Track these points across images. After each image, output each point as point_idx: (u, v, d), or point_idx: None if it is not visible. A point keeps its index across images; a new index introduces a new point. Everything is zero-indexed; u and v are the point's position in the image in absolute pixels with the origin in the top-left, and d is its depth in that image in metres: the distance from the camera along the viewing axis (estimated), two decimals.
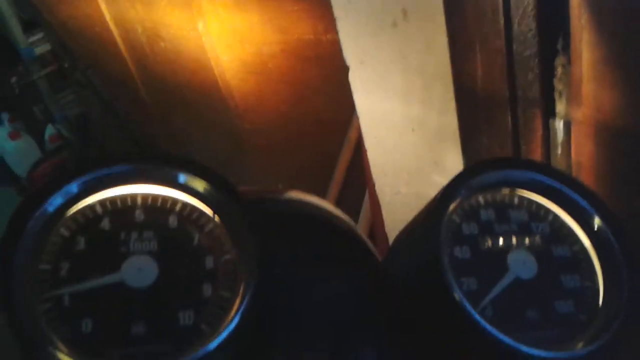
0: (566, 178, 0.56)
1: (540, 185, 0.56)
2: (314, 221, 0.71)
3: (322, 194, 2.08)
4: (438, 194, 0.55)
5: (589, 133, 1.07)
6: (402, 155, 1.54)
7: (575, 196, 0.55)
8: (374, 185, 1.64)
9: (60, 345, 0.43)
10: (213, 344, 0.44)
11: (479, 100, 1.20)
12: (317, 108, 2.10)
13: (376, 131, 1.60)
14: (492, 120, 1.19)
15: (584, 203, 0.55)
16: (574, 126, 1.09)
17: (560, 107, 1.10)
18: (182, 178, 0.51)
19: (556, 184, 0.55)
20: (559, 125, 1.11)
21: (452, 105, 1.27)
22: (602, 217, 0.54)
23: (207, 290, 0.48)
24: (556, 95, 1.09)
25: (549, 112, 1.10)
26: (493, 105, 1.17)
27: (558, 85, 1.08)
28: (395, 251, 0.61)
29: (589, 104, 1.04)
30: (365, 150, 1.64)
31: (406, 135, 1.45)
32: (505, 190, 0.57)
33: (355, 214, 1.90)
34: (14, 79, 3.35)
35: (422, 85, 1.36)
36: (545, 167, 0.57)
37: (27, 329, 0.42)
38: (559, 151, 1.13)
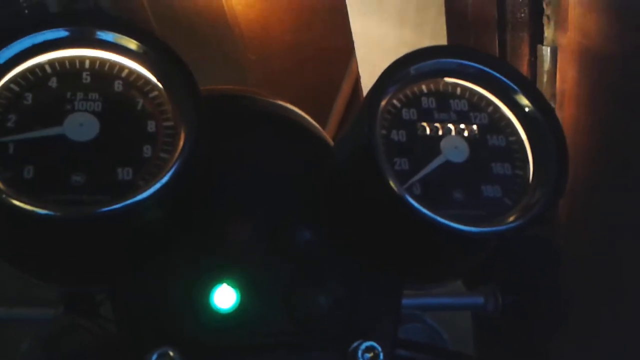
0: (494, 62, 0.57)
1: (476, 74, 0.57)
2: (274, 113, 0.72)
3: (323, 124, 2.09)
4: (375, 81, 0.56)
5: (574, 60, 1.06)
6: None
7: (502, 77, 0.56)
8: None
9: (2, 186, 0.46)
10: (144, 195, 0.47)
11: (469, 24, 1.19)
12: (320, 37, 2.09)
13: (370, 56, 1.60)
14: (481, 45, 1.19)
15: (510, 83, 0.56)
16: (560, 53, 1.08)
17: (548, 32, 1.09)
18: (120, 40, 0.53)
19: (483, 68, 0.57)
20: (546, 51, 1.10)
21: (443, 31, 1.26)
22: (530, 100, 0.56)
23: (147, 151, 0.51)
24: (545, 20, 1.08)
25: (537, 38, 1.09)
26: (482, 29, 1.16)
27: (547, 10, 1.07)
28: (340, 139, 0.63)
29: (576, 29, 1.03)
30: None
31: None
32: (447, 81, 0.58)
33: None
34: None
35: (415, 8, 1.35)
36: (473, 53, 0.58)
37: None
38: (545, 79, 1.13)
